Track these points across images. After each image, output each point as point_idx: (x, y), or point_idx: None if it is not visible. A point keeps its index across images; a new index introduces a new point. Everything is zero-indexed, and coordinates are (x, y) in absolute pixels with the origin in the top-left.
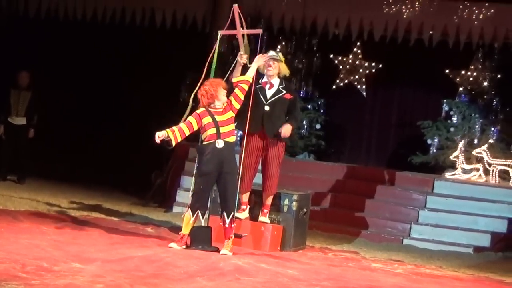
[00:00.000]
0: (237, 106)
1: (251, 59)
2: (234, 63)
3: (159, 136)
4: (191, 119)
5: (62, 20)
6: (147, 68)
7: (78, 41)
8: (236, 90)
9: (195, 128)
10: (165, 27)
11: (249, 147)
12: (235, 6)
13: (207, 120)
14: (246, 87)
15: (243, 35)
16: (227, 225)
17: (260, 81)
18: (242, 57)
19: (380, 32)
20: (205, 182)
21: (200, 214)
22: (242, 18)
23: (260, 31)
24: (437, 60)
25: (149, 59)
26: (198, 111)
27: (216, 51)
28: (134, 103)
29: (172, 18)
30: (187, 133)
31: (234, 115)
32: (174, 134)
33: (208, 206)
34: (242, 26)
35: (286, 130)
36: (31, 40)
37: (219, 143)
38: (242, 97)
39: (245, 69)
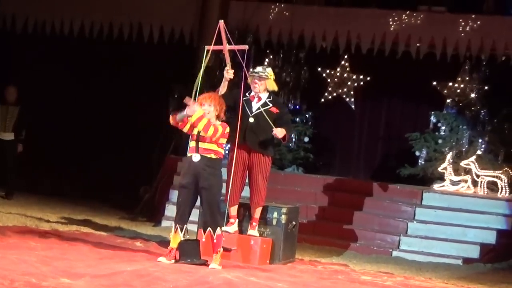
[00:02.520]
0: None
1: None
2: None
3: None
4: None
5: (49, 35)
6: (135, 83)
7: (65, 56)
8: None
9: (186, 128)
10: (152, 42)
11: (235, 160)
12: (221, 22)
13: (194, 131)
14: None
15: (229, 50)
16: (203, 239)
17: (248, 94)
18: (229, 72)
19: (368, 45)
20: (182, 195)
21: (178, 228)
22: (228, 34)
23: (246, 47)
24: (425, 72)
25: (137, 73)
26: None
27: (204, 66)
28: (122, 117)
29: (160, 33)
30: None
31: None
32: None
33: (196, 219)
34: (228, 42)
35: (278, 131)
36: (18, 55)
37: (196, 157)
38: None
39: (231, 84)
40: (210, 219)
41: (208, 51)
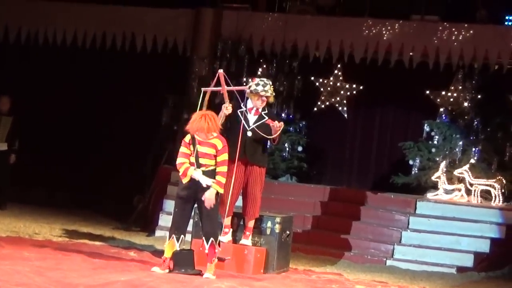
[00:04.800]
0: (219, 150)
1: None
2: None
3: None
4: (183, 149)
5: (42, 45)
6: (128, 93)
7: (58, 66)
8: (224, 165)
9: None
10: (145, 52)
11: (232, 172)
12: (221, 71)
13: (191, 147)
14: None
15: (229, 92)
16: (206, 251)
17: (244, 106)
18: (228, 109)
19: (361, 54)
20: (180, 206)
21: (174, 238)
22: (228, 79)
23: (246, 88)
24: (418, 81)
25: (130, 83)
26: (186, 139)
27: (199, 106)
28: (115, 127)
29: (153, 43)
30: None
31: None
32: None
33: (191, 229)
34: (228, 85)
35: (277, 124)
36: (11, 65)
37: (197, 174)
38: (219, 161)
39: (229, 117)
40: (211, 230)
41: (205, 92)
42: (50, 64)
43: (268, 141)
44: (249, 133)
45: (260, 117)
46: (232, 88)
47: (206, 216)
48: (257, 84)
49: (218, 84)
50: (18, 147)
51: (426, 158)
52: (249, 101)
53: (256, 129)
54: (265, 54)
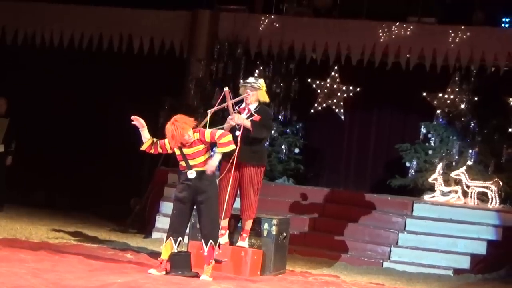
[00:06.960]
0: (209, 140)
1: None
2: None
3: (137, 121)
4: (167, 142)
5: (39, 47)
6: (125, 94)
7: (55, 68)
8: (217, 132)
9: (168, 151)
10: (142, 54)
11: (226, 173)
12: (226, 89)
13: (177, 151)
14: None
15: (232, 105)
16: (205, 253)
17: (238, 107)
18: (232, 119)
19: (358, 56)
20: (178, 208)
21: (172, 240)
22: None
23: (247, 95)
24: (415, 83)
25: (127, 85)
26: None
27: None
28: (112, 129)
29: (150, 45)
30: (159, 150)
31: (205, 147)
32: (152, 141)
33: (187, 231)
34: (234, 104)
35: (235, 117)
36: (8, 67)
37: (192, 173)
38: (215, 138)
39: (234, 128)
40: (210, 232)
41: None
42: (47, 66)
43: (260, 139)
44: (237, 132)
45: (250, 116)
46: (235, 100)
47: (206, 218)
48: (248, 78)
49: (222, 101)
50: (15, 149)
51: (423, 160)
52: (243, 103)
53: (243, 127)
54: (262, 56)
